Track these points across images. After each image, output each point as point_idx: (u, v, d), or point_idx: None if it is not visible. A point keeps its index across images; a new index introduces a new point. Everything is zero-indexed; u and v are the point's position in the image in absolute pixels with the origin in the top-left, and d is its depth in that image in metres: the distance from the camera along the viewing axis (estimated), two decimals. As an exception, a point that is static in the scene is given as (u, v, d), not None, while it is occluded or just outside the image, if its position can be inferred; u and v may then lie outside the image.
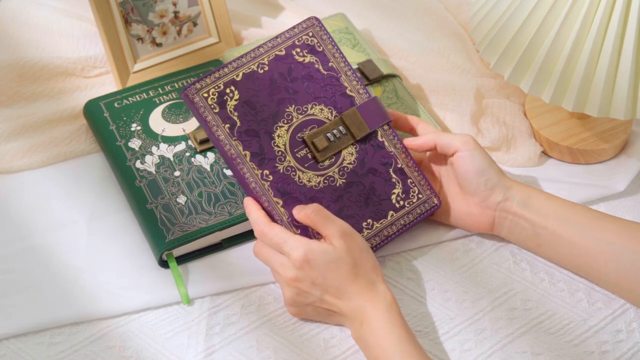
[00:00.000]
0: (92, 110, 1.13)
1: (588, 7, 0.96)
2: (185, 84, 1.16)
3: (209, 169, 1.06)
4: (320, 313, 0.94)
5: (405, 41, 1.25)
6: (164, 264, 1.00)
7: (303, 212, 0.94)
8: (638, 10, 0.96)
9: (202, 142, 1.08)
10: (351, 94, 1.01)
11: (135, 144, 1.09)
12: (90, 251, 1.02)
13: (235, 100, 0.96)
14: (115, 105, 1.13)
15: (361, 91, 1.02)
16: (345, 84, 1.01)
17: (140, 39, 1.18)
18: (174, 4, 1.18)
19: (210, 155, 1.07)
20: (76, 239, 1.03)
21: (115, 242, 1.03)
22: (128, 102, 1.13)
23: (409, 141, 1.02)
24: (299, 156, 0.98)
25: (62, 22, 1.25)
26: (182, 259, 1.01)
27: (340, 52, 1.03)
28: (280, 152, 0.97)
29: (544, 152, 1.13)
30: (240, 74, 0.98)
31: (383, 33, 1.26)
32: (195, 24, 1.21)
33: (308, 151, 0.98)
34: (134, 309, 0.97)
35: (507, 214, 0.99)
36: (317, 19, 1.03)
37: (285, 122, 0.98)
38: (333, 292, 0.91)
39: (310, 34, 1.02)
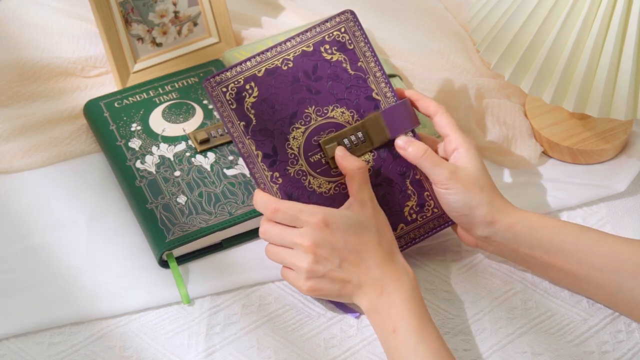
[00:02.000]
0: (92, 110, 1.13)
1: (589, 7, 0.96)
2: (185, 84, 1.15)
3: (209, 169, 1.06)
4: (335, 285, 0.90)
5: (405, 41, 1.25)
6: (164, 264, 1.00)
7: (350, 161, 0.92)
8: (639, 11, 0.96)
9: (202, 142, 1.08)
10: (377, 97, 0.96)
11: (135, 143, 1.09)
12: (90, 251, 1.02)
13: (254, 97, 0.93)
14: (115, 105, 1.13)
15: (389, 94, 0.97)
16: (372, 86, 0.96)
17: (140, 38, 1.18)
18: (174, 4, 1.18)
19: (211, 155, 1.07)
20: (76, 239, 1.03)
21: (115, 242, 1.03)
22: (128, 102, 1.13)
23: (402, 142, 0.96)
24: (312, 160, 0.94)
25: (62, 22, 1.24)
26: (182, 259, 1.01)
27: (373, 51, 0.97)
28: (293, 155, 0.93)
29: (544, 153, 1.12)
30: (263, 69, 0.93)
31: (383, 33, 1.26)
32: (195, 24, 1.20)
33: (322, 156, 0.95)
34: (134, 309, 0.96)
35: (490, 244, 0.96)
36: (352, 12, 0.96)
37: (303, 123, 0.94)
38: (353, 260, 0.89)
39: (343, 29, 0.96)
